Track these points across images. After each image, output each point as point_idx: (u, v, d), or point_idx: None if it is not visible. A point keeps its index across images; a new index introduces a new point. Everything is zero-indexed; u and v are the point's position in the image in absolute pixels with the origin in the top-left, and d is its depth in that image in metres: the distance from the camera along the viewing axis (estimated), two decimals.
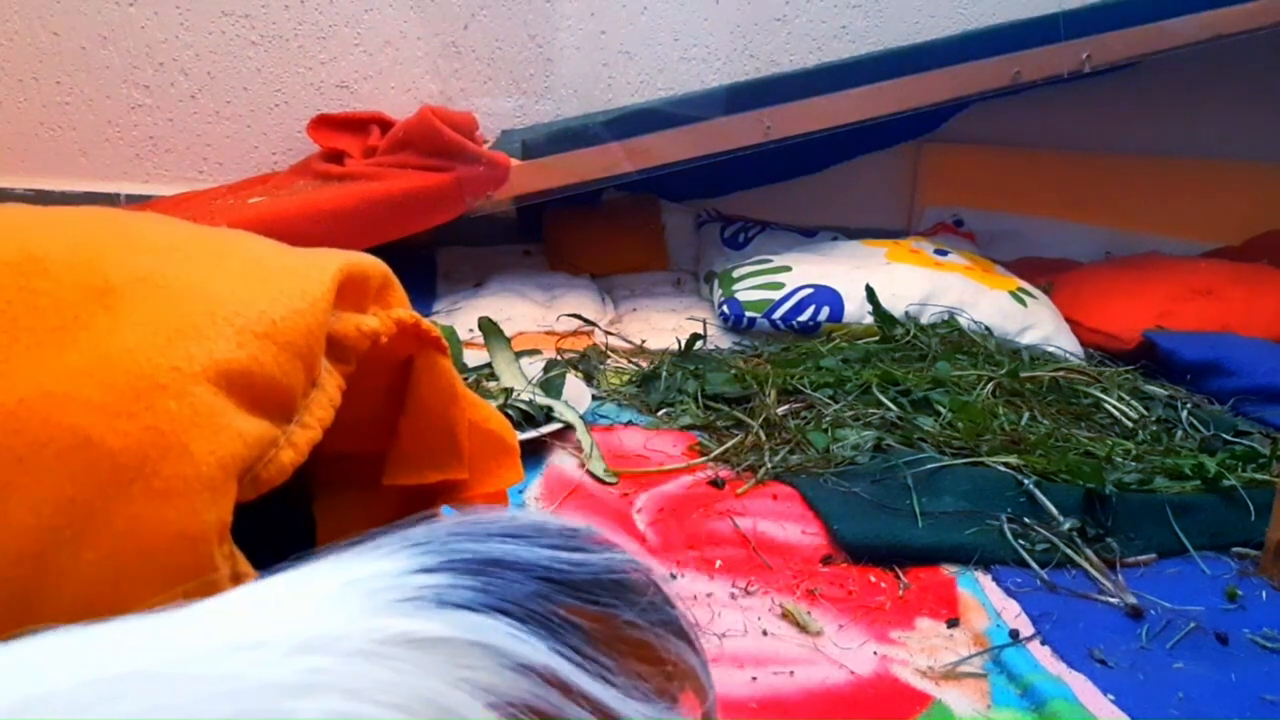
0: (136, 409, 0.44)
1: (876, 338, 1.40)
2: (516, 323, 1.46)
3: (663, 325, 1.50)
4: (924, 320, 1.44)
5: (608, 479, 1.01)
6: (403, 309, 0.61)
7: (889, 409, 1.15)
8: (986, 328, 1.43)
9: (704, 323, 1.46)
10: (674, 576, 0.84)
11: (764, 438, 1.09)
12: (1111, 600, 0.84)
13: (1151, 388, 1.31)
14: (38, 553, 0.43)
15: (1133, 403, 1.23)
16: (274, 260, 0.56)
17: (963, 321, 1.43)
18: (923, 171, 1.98)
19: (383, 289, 0.61)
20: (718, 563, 0.86)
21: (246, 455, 0.46)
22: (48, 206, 0.61)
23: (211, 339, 0.47)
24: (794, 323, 1.45)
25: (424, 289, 1.62)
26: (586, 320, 1.48)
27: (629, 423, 1.16)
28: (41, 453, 0.43)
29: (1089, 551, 0.89)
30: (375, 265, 0.60)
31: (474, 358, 1.25)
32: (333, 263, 0.56)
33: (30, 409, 0.44)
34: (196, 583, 0.43)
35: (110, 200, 1.71)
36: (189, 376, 0.45)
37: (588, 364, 1.31)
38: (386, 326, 0.58)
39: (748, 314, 1.47)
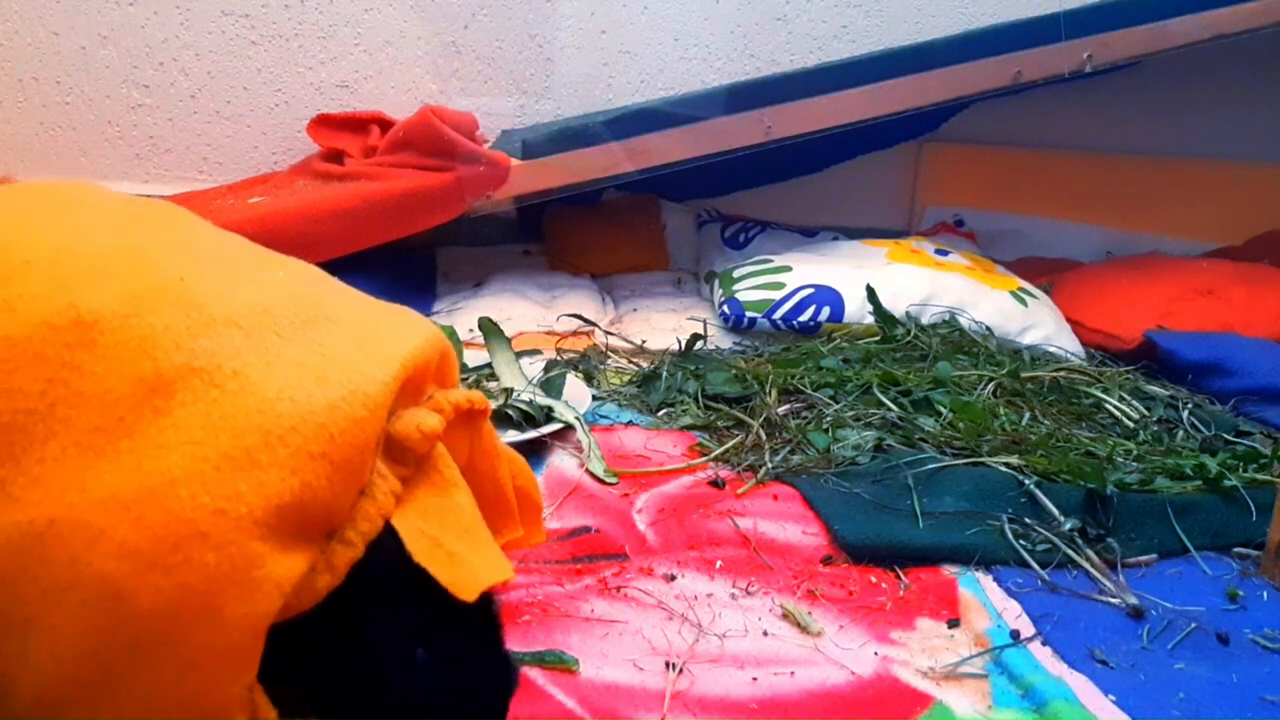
0: (173, 561, 0.42)
1: (877, 338, 1.40)
2: (516, 323, 1.46)
3: (663, 325, 1.50)
4: (925, 320, 1.44)
5: (608, 479, 1.01)
6: (456, 389, 0.59)
7: (890, 409, 1.15)
8: (987, 328, 1.43)
9: (704, 323, 1.46)
10: (674, 577, 0.84)
11: (764, 438, 1.09)
12: (1112, 600, 0.83)
13: (1152, 388, 1.31)
14: (57, 700, 0.41)
15: (1134, 403, 1.23)
16: (337, 340, 0.52)
17: (963, 321, 1.43)
18: (923, 171, 1.98)
19: (440, 365, 0.58)
20: (718, 563, 0.86)
21: (281, 603, 0.44)
22: (101, 198, 0.57)
23: (264, 467, 0.44)
24: (794, 323, 1.45)
25: (424, 289, 1.62)
26: (587, 320, 1.48)
27: (629, 423, 1.16)
28: (67, 594, 0.41)
29: (1090, 552, 0.89)
30: (434, 344, 0.57)
31: (474, 358, 1.25)
32: (398, 354, 0.53)
33: (61, 538, 0.42)
34: None
35: None
36: (234, 522, 0.43)
37: (588, 364, 1.31)
38: (447, 415, 0.56)
39: (748, 314, 1.47)
